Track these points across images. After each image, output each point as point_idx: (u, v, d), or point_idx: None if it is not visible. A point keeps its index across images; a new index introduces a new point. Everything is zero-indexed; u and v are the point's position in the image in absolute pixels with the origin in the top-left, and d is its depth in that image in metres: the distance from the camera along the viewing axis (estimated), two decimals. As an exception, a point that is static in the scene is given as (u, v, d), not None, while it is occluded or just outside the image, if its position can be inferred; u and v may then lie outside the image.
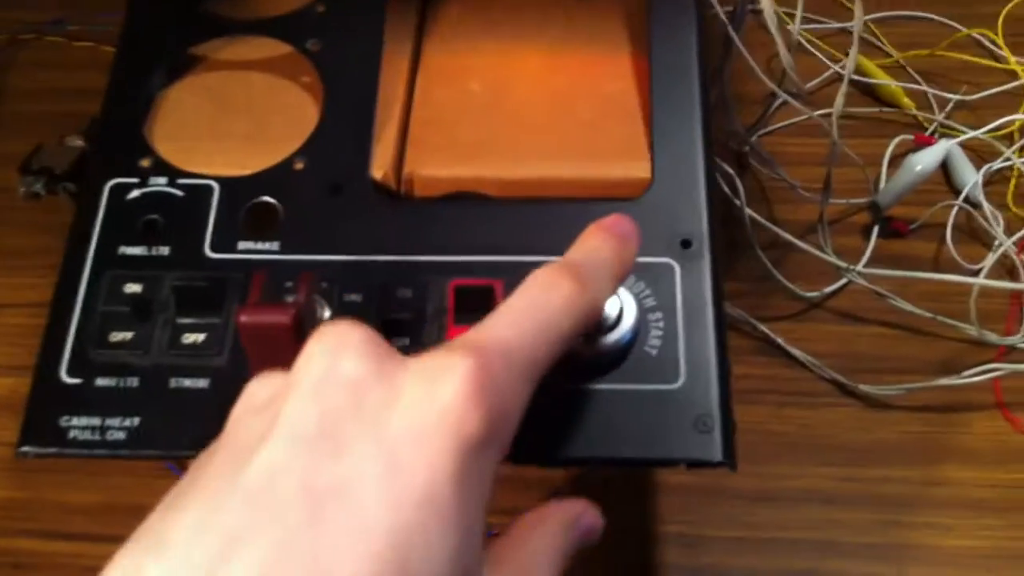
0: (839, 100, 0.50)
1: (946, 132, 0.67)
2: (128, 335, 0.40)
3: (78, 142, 0.59)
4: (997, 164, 0.64)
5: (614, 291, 0.36)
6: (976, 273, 0.58)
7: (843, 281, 0.59)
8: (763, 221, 0.59)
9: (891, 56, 0.71)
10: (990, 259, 0.59)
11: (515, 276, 0.41)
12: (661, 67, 0.48)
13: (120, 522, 0.51)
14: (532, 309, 0.31)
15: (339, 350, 0.28)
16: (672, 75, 0.47)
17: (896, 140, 0.65)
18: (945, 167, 0.63)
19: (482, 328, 0.30)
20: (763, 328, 0.57)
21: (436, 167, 0.46)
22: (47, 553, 0.51)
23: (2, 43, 0.72)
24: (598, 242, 0.34)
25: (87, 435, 0.39)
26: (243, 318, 0.36)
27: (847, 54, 0.71)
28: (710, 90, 0.49)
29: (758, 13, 0.51)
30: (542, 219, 0.43)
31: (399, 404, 0.27)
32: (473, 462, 0.27)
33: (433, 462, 0.26)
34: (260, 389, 0.30)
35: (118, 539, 0.51)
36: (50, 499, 0.53)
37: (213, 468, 0.27)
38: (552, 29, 0.52)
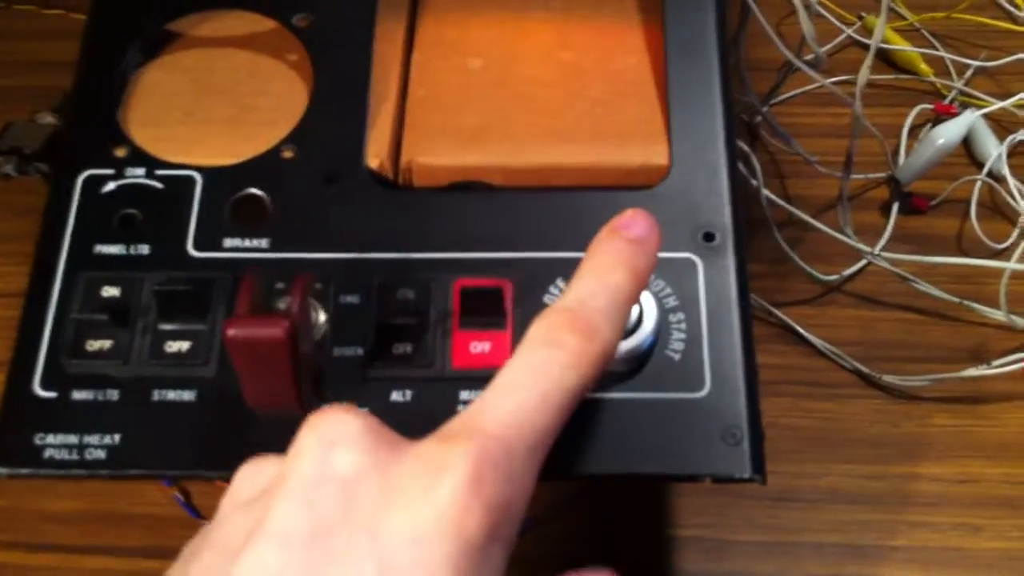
0: (863, 73, 0.47)
1: (966, 100, 0.63)
2: (106, 344, 0.37)
3: (50, 119, 0.56)
4: (1020, 135, 0.60)
5: (629, 314, 0.33)
6: (1002, 253, 0.55)
7: (863, 263, 0.56)
8: (778, 200, 0.56)
9: (905, 19, 0.68)
10: (1016, 237, 0.56)
11: (524, 274, 0.39)
12: (677, 38, 0.45)
13: (100, 532, 0.49)
14: (533, 377, 0.28)
15: (332, 444, 0.27)
16: (689, 47, 0.44)
17: (915, 110, 0.62)
18: (966, 138, 0.60)
19: (480, 409, 0.27)
20: (780, 314, 0.54)
21: (436, 155, 0.43)
22: (23, 567, 0.48)
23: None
24: (612, 259, 0.32)
25: (64, 454, 0.36)
26: (231, 332, 0.32)
27: (859, 17, 0.68)
28: (730, 62, 0.46)
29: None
30: (553, 210, 0.40)
31: (395, 504, 0.25)
32: (476, 563, 0.25)
33: (432, 569, 0.24)
34: (249, 480, 0.29)
35: (98, 551, 0.49)
36: (27, 507, 0.50)
37: (201, 565, 0.26)
38: (560, 6, 0.49)
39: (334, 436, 0.27)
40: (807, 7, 0.46)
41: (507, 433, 0.27)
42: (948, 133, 0.57)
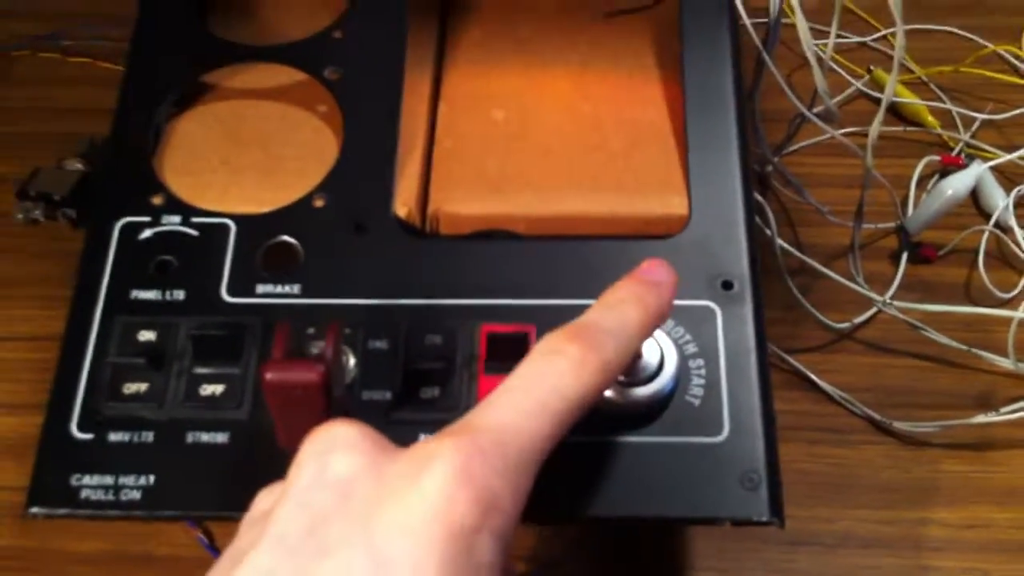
0: (875, 127, 0.48)
1: (972, 152, 0.65)
2: (142, 387, 0.38)
3: (77, 165, 0.57)
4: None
5: (638, 346, 0.34)
6: (1010, 302, 0.57)
7: (873, 310, 0.57)
8: (791, 249, 0.57)
9: (913, 72, 0.69)
10: (1023, 287, 0.57)
11: (548, 319, 0.39)
12: (695, 92, 0.46)
13: (125, 573, 0.50)
14: (532, 383, 0.29)
15: (329, 451, 0.28)
16: (707, 101, 0.46)
17: (923, 162, 0.63)
18: (974, 189, 0.61)
19: (477, 410, 0.29)
20: (792, 361, 0.55)
21: (462, 204, 0.44)
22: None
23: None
24: (622, 295, 0.33)
25: (100, 495, 0.37)
26: (269, 376, 0.34)
27: (869, 69, 0.69)
28: (746, 115, 0.47)
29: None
30: (575, 259, 0.41)
31: (387, 497, 0.26)
32: (464, 552, 0.26)
33: (421, 554, 0.25)
34: (262, 500, 0.31)
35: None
36: (54, 548, 0.50)
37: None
38: (579, 51, 0.50)
39: (331, 445, 0.28)
40: (819, 61, 0.48)
41: (499, 431, 0.28)
42: (956, 185, 0.58)
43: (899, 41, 0.46)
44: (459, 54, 0.50)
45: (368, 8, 0.48)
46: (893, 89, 0.47)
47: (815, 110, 0.51)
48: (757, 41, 0.49)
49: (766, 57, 0.49)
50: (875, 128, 0.48)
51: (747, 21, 0.48)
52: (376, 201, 0.43)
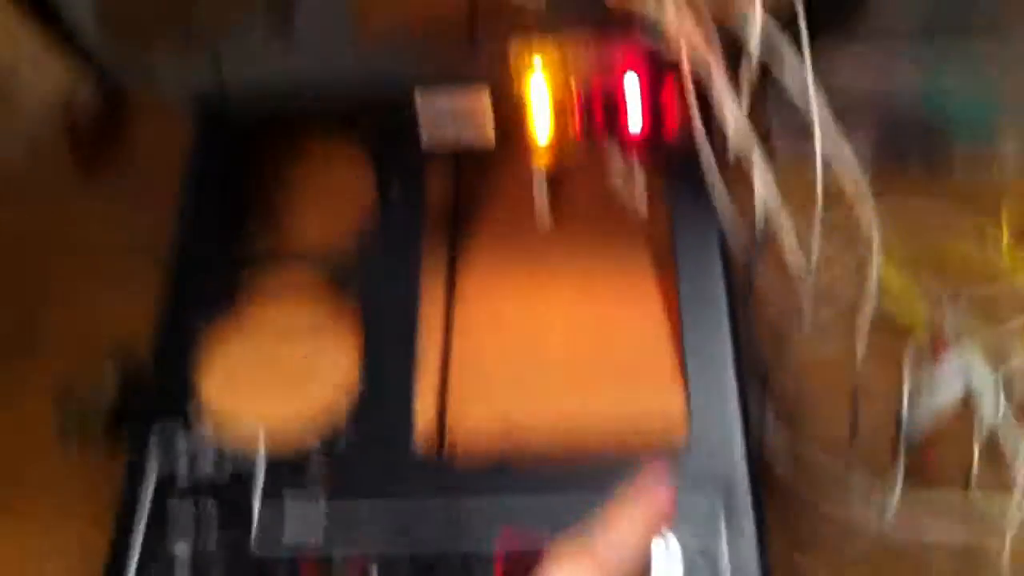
0: (860, 347, 0.51)
1: (960, 331, 0.66)
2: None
3: (115, 373, 0.59)
4: (1014, 362, 0.63)
5: (641, 555, 0.37)
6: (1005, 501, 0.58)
7: (874, 507, 0.58)
8: (791, 445, 0.59)
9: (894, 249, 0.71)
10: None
11: (562, 532, 0.41)
12: (690, 303, 0.50)
13: None
14: None
15: None
16: (701, 311, 0.50)
17: (912, 350, 0.65)
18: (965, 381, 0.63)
19: None
20: (792, 561, 0.57)
21: (478, 423, 0.47)
22: None
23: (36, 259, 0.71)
24: (623, 510, 0.36)
25: None
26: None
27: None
28: (740, 324, 0.50)
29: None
30: (584, 478, 0.44)
31: None
32: None
33: None
34: None
35: None
36: None
37: None
38: (581, 263, 0.54)
39: None
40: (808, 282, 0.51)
41: None
42: (945, 392, 0.61)
43: (875, 256, 0.49)
44: (471, 272, 0.54)
45: (387, 225, 0.53)
46: (874, 300, 0.50)
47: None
48: (743, 248, 0.51)
49: (752, 271, 0.52)
50: (860, 348, 0.51)
51: (735, 231, 0.51)
52: (396, 421, 0.46)
